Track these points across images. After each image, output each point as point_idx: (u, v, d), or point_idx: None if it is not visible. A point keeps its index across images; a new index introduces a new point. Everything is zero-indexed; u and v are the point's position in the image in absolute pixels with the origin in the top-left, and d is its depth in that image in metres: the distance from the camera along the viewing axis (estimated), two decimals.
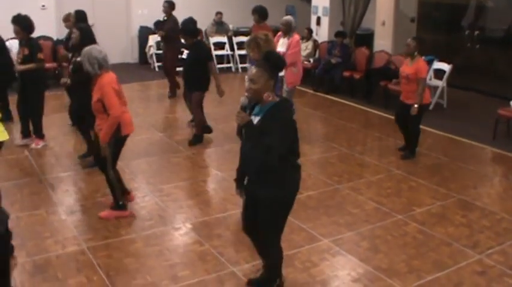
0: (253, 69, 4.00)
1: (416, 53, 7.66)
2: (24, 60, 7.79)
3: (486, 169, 7.92)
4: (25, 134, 8.27)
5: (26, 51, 7.75)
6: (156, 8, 11.92)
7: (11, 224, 5.51)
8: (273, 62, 4.00)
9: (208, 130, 8.67)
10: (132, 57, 14.72)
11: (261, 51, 5.73)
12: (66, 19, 9.68)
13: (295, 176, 4.21)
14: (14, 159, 7.59)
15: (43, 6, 12.79)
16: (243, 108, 4.08)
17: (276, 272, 4.48)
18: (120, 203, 5.94)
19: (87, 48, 5.61)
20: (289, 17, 8.67)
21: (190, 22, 8.42)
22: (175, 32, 10.61)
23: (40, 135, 8.19)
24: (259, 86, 3.91)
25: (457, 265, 5.11)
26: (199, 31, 8.70)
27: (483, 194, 6.85)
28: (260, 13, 9.88)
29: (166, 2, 11.22)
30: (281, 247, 4.40)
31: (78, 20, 8.80)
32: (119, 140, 5.72)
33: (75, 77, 7.21)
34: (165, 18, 11.34)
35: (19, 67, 7.89)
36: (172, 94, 11.30)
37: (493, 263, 5.16)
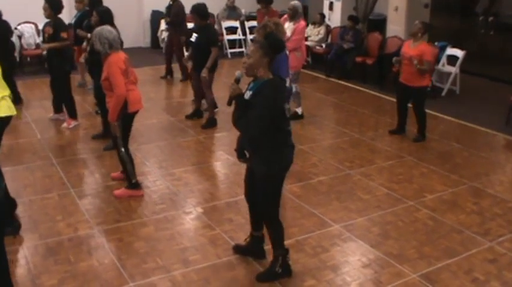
0: (250, 45, 4.28)
1: (420, 35, 7.76)
2: (49, 39, 7.93)
3: (498, 156, 7.87)
4: (56, 109, 8.53)
5: (51, 31, 7.88)
6: None
7: (23, 207, 5.59)
8: (270, 42, 4.20)
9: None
10: (144, 41, 14.71)
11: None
12: (80, 0, 9.61)
13: (283, 153, 4.35)
14: (27, 142, 7.63)
15: None
16: (237, 80, 4.23)
17: (281, 246, 4.57)
18: (133, 181, 6.03)
19: (98, 28, 5.75)
20: (296, 2, 8.66)
21: (203, 5, 8.46)
22: (179, 17, 10.70)
23: (72, 115, 8.33)
24: (252, 61, 4.15)
25: (467, 252, 5.10)
26: (209, 15, 8.73)
27: (495, 181, 6.81)
28: None
29: None
30: (280, 220, 4.50)
31: (92, 2, 8.79)
32: (126, 116, 5.82)
33: (91, 59, 7.32)
34: (171, 3, 11.34)
35: (44, 45, 8.07)
36: (185, 77, 11.30)
37: (504, 250, 5.14)
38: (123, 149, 5.93)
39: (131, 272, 4.66)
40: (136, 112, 5.95)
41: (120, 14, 13.04)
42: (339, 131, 8.54)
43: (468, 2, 13.38)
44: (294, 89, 8.21)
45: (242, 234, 5.29)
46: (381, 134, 8.45)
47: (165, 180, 6.52)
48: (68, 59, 8.09)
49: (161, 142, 7.81)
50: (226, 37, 13.93)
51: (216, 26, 14.44)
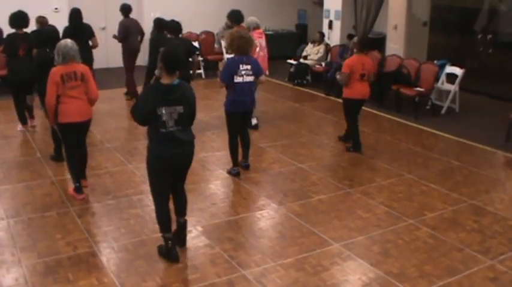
0: None
1: (355, 50, 8.32)
2: None
3: (498, 173, 7.87)
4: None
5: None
6: (169, 10, 11.96)
7: (22, 226, 5.57)
8: (162, 52, 4.86)
9: None
10: (144, 60, 14.69)
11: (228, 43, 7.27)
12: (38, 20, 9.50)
13: (156, 150, 4.90)
14: (27, 161, 7.64)
15: (56, 9, 12.87)
16: (157, 77, 4.85)
17: (160, 229, 5.13)
18: (76, 184, 6.43)
19: (60, 41, 6.26)
20: (249, 18, 9.30)
21: (174, 21, 8.88)
22: (120, 35, 10.97)
23: (20, 121, 9.00)
24: None
25: (468, 270, 5.08)
26: (181, 29, 9.20)
27: (495, 199, 6.80)
28: (229, 17, 10.12)
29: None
30: (159, 205, 5.12)
31: (69, 17, 9.10)
32: (59, 126, 6.28)
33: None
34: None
35: None
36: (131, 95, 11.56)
37: (505, 269, 5.12)
38: (65, 154, 6.52)
39: None
40: (72, 125, 6.21)
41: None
42: (338, 149, 8.54)
43: (467, 20, 13.46)
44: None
45: (242, 252, 5.28)
46: (381, 152, 8.45)
47: None
48: (12, 72, 8.56)
49: None
50: (226, 55, 13.94)
51: (215, 45, 14.54)
